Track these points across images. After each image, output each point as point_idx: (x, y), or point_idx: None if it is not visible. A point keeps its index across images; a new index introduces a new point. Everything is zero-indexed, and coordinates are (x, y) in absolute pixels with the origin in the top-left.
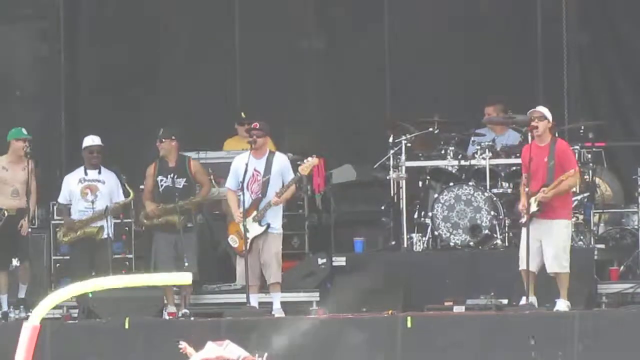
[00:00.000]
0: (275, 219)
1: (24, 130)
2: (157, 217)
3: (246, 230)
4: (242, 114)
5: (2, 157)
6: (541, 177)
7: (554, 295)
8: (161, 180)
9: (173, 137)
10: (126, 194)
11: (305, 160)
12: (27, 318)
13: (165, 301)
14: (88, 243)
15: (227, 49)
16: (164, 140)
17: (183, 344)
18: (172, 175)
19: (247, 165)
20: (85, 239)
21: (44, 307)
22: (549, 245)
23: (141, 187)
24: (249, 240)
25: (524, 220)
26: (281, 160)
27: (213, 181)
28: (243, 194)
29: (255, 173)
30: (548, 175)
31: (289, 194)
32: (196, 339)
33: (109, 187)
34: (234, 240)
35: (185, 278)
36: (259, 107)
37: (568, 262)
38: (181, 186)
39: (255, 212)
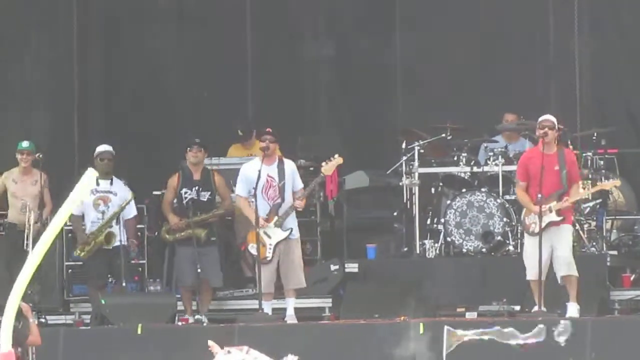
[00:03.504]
0: (294, 224)
1: (24, 143)
2: (181, 232)
3: (267, 236)
4: (239, 131)
5: (14, 169)
6: (551, 185)
7: (563, 301)
8: (185, 193)
9: (204, 148)
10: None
11: (327, 161)
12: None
13: (183, 308)
14: (103, 254)
15: (239, 55)
16: (196, 149)
17: (211, 343)
18: (197, 187)
19: (259, 172)
20: (100, 250)
21: (6, 331)
22: (562, 250)
23: (154, 192)
24: (271, 247)
25: (537, 230)
26: (291, 166)
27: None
28: (256, 200)
29: (270, 179)
30: (562, 183)
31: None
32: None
33: (121, 198)
34: (255, 249)
35: (90, 174)
36: (270, 114)
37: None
38: (205, 199)
39: (276, 218)
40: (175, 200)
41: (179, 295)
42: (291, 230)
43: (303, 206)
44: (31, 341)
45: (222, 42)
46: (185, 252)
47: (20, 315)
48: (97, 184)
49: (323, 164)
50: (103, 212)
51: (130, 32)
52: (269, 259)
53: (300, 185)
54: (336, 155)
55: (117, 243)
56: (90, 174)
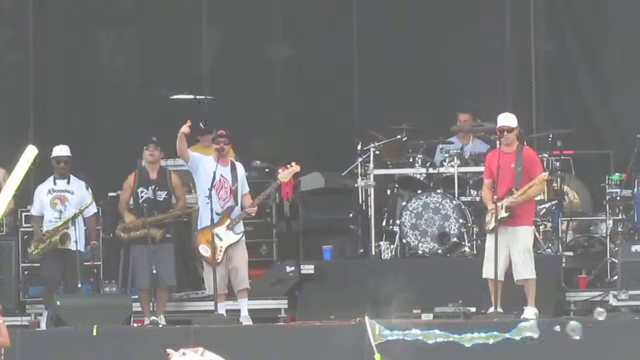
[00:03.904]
0: (243, 227)
1: None
2: (136, 230)
3: (219, 238)
4: (201, 124)
5: None
6: (507, 183)
7: (520, 303)
8: (142, 192)
9: (160, 147)
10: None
11: (284, 168)
12: None
13: (141, 309)
14: (58, 254)
15: (195, 57)
16: (153, 148)
17: (170, 351)
18: (153, 187)
19: (214, 173)
20: (55, 250)
21: None
22: (517, 252)
23: (110, 194)
24: (223, 249)
25: (491, 227)
26: (242, 169)
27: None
28: (211, 201)
29: (222, 179)
30: (515, 181)
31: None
32: (165, 347)
33: (78, 197)
34: (205, 250)
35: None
36: (226, 115)
37: (534, 268)
38: (162, 199)
39: (228, 220)
40: (131, 200)
41: (134, 297)
42: (242, 234)
43: (256, 212)
44: (0, 342)
45: (180, 44)
46: (140, 252)
47: None
48: (55, 183)
49: (280, 170)
50: (60, 212)
51: (89, 34)
52: (219, 260)
53: (247, 189)
54: (293, 163)
55: (72, 246)
56: (31, 151)
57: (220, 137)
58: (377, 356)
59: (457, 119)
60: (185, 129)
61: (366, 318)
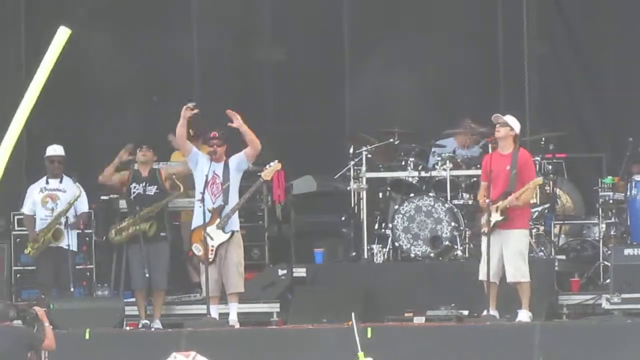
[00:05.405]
0: (237, 226)
1: None
2: (128, 229)
3: (210, 237)
4: (190, 131)
5: None
6: (501, 185)
7: (515, 306)
8: (134, 187)
9: (152, 149)
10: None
11: (267, 166)
12: None
13: (137, 311)
14: (51, 254)
15: (185, 59)
16: (145, 149)
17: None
18: (144, 183)
19: (207, 175)
20: (49, 250)
21: None
22: (510, 254)
23: (102, 197)
24: (213, 248)
25: (485, 230)
26: (234, 159)
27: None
28: (203, 204)
29: (215, 176)
30: (510, 184)
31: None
32: (158, 350)
33: (70, 196)
34: (198, 249)
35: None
36: (216, 119)
37: (528, 271)
38: (152, 193)
39: (218, 220)
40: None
41: (127, 300)
42: (232, 233)
43: (242, 205)
44: (46, 345)
45: (170, 46)
46: (134, 253)
47: (35, 319)
48: (47, 182)
49: (259, 174)
50: (52, 209)
51: (78, 36)
52: (210, 260)
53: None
54: (275, 161)
55: (65, 245)
56: (62, 33)
57: (213, 139)
58: (361, 354)
59: (465, 123)
60: (186, 112)
61: (353, 316)
